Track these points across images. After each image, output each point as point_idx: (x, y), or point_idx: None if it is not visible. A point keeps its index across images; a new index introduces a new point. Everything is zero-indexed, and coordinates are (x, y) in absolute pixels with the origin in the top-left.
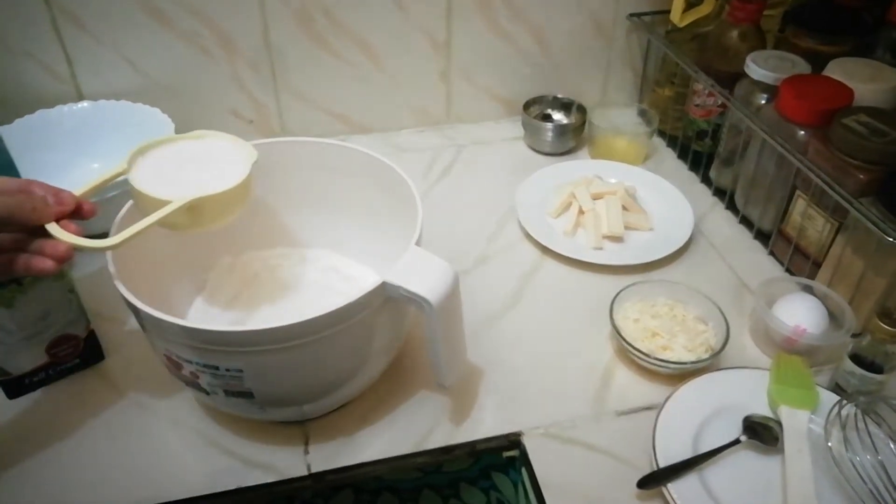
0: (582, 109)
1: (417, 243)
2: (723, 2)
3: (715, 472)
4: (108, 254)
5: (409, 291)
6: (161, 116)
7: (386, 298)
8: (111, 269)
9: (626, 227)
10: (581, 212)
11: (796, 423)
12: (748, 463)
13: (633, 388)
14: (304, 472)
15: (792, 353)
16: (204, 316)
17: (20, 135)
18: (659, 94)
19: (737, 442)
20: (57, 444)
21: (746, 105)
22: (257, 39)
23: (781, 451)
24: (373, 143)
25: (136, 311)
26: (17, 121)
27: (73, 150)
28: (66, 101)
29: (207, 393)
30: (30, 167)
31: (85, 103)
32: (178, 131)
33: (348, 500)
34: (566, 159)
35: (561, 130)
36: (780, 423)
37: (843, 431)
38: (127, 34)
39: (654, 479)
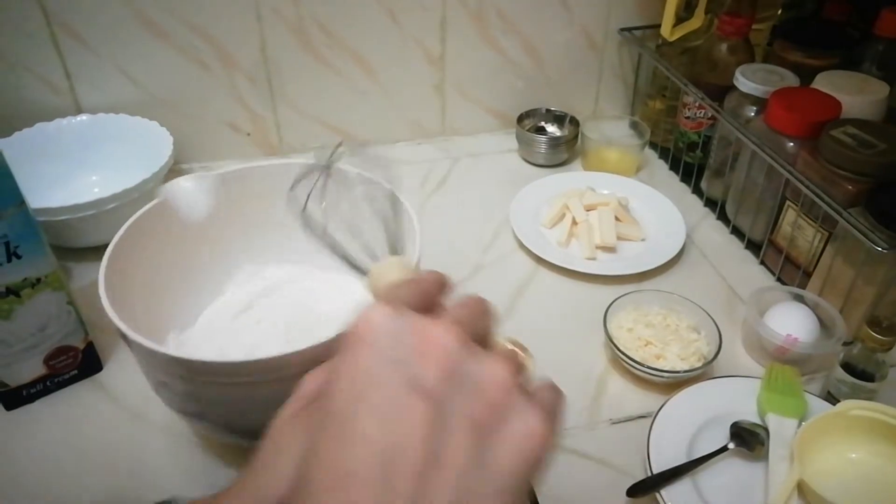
0: (575, 122)
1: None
2: (712, 16)
3: (708, 479)
4: (101, 270)
5: None
6: (159, 129)
7: None
8: (101, 288)
9: (619, 238)
10: (574, 223)
11: (783, 430)
12: (738, 469)
13: (627, 396)
14: None
15: (783, 361)
16: (210, 325)
17: (19, 148)
18: (650, 106)
19: (724, 449)
20: (54, 454)
21: (736, 117)
22: (255, 53)
23: (767, 457)
24: None
25: (122, 336)
26: (16, 134)
27: (72, 162)
28: (64, 115)
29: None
30: (28, 179)
31: (83, 116)
32: (176, 144)
33: None
34: (559, 171)
35: (554, 143)
36: (767, 430)
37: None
38: (125, 48)
39: (644, 488)
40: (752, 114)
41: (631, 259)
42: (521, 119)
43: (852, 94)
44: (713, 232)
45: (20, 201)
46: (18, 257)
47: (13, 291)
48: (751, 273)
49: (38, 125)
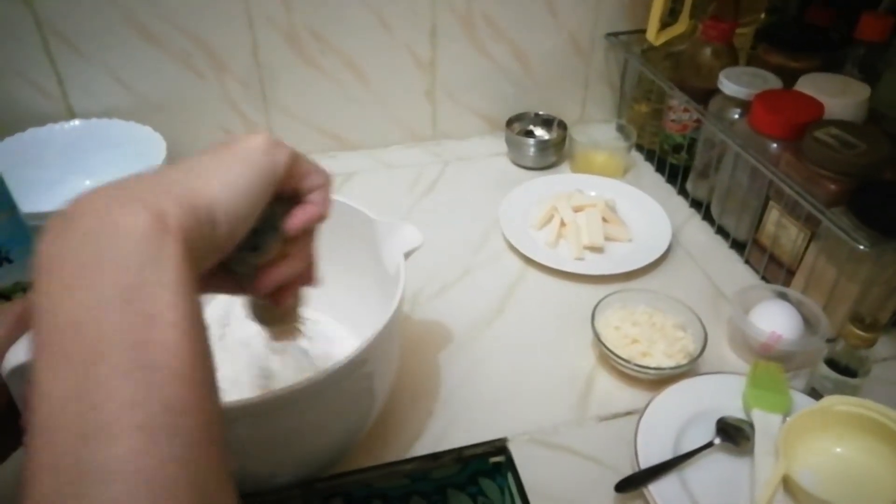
0: (562, 125)
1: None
2: (696, 21)
3: (695, 474)
4: None
5: None
6: (152, 135)
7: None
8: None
9: (606, 239)
10: (563, 224)
11: (768, 426)
12: (724, 464)
13: (614, 394)
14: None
15: (768, 358)
16: None
17: (11, 153)
18: (636, 109)
19: (710, 444)
20: None
21: (720, 120)
22: (247, 59)
23: (752, 452)
24: (361, 159)
25: None
26: (8, 139)
27: (64, 168)
28: (57, 120)
29: None
30: (21, 185)
31: (76, 122)
32: (169, 149)
33: None
34: (548, 174)
35: (542, 146)
36: (752, 426)
37: None
38: (118, 54)
39: (632, 483)
40: (736, 116)
41: (618, 259)
42: (510, 123)
43: (834, 96)
44: (698, 232)
45: (11, 206)
46: (10, 262)
47: (4, 296)
48: (735, 272)
49: (31, 130)
